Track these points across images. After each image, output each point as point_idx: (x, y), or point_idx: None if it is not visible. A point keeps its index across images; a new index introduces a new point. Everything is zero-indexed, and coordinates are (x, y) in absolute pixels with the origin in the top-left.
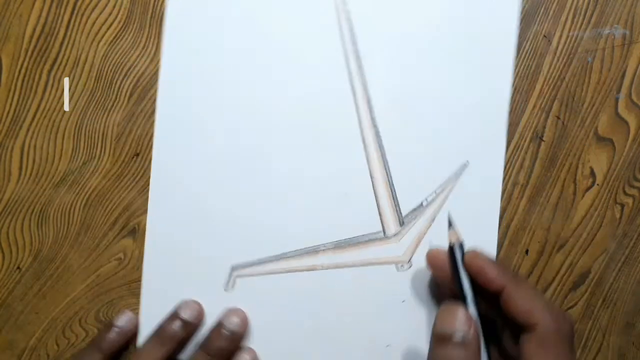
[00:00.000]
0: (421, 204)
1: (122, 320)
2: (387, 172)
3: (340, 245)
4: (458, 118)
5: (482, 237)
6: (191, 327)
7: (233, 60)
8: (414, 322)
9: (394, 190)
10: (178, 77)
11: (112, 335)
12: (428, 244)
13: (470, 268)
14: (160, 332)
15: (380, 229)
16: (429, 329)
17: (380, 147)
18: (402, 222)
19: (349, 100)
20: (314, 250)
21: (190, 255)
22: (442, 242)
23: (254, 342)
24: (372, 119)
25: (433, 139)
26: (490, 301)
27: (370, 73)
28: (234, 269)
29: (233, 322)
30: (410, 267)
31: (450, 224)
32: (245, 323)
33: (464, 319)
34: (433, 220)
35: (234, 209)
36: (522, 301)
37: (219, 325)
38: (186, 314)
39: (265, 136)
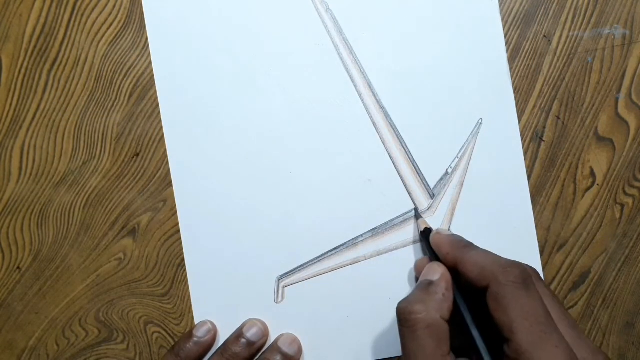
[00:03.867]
0: (446, 172)
1: (202, 330)
2: (405, 149)
3: (377, 232)
4: (459, 79)
5: (513, 189)
6: (255, 347)
7: (228, 67)
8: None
9: (417, 165)
10: (177, 78)
11: (190, 345)
12: (463, 210)
13: (434, 247)
14: (224, 351)
15: (413, 206)
16: None
17: (393, 126)
18: (432, 195)
19: (350, 89)
20: (353, 244)
21: (233, 274)
22: (474, 205)
23: (316, 346)
24: (378, 102)
25: (441, 105)
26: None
27: (364, 58)
28: (279, 279)
29: (251, 332)
30: None
31: (417, 216)
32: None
33: (441, 271)
34: (462, 185)
35: (265, 221)
36: (471, 267)
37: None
38: (250, 333)
39: (275, 141)
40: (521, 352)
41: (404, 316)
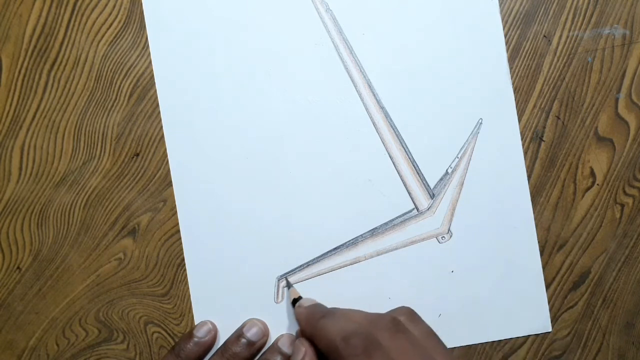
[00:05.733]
0: (446, 172)
1: (202, 331)
2: (405, 149)
3: (377, 232)
4: (459, 79)
5: (513, 189)
6: (255, 347)
7: (226, 65)
8: (465, 290)
9: (417, 165)
10: (177, 78)
11: (191, 345)
12: (463, 210)
13: (297, 321)
14: (224, 350)
15: (413, 206)
16: (479, 295)
17: (393, 126)
18: (432, 195)
19: (350, 89)
20: (353, 244)
21: (233, 274)
22: (474, 205)
23: None
24: (378, 102)
25: (441, 106)
26: None
27: (364, 58)
28: (279, 279)
29: (252, 332)
30: (450, 236)
31: (288, 285)
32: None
33: (304, 349)
34: (462, 184)
35: (265, 221)
36: (319, 341)
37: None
38: (251, 333)
39: (275, 141)
40: None
41: None
